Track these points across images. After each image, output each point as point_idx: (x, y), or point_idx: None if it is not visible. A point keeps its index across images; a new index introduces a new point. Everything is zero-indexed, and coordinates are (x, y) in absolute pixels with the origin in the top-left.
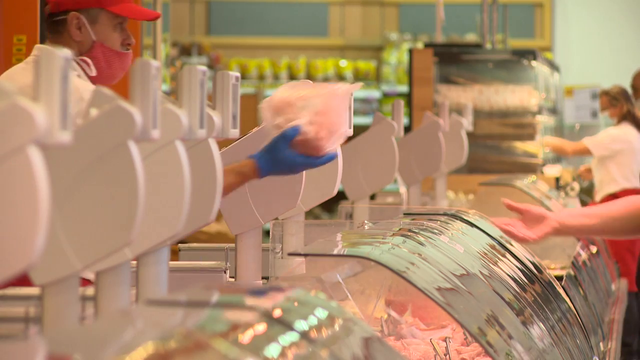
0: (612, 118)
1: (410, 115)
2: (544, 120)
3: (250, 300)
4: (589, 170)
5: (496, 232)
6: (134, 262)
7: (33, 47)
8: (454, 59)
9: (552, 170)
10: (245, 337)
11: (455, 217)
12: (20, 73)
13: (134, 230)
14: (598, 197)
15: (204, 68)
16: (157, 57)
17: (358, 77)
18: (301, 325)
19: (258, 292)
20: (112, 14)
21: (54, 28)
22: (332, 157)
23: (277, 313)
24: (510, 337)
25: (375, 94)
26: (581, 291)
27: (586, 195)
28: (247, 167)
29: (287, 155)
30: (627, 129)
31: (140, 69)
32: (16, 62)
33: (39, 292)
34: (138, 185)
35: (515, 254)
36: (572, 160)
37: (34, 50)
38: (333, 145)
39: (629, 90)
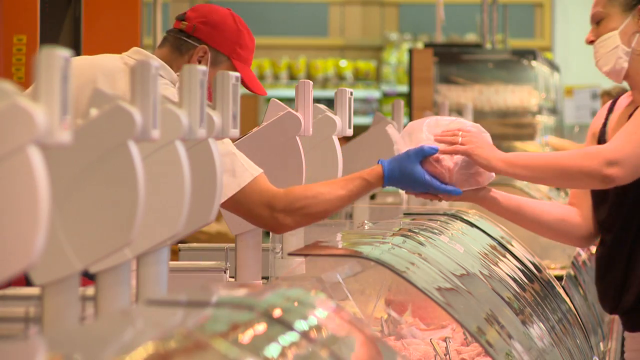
0: None
1: (410, 115)
2: (544, 120)
3: (250, 300)
4: None
5: (496, 233)
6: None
7: (34, 47)
8: (454, 59)
9: None
10: (245, 337)
11: (455, 217)
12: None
13: (134, 230)
14: None
15: (204, 68)
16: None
17: (358, 77)
18: (301, 325)
19: (258, 292)
20: (234, 69)
21: (176, 44)
22: (457, 192)
23: (277, 313)
24: (510, 337)
25: (375, 94)
26: (581, 291)
27: None
28: (373, 174)
29: (416, 170)
30: None
31: (140, 69)
32: (16, 62)
33: (39, 292)
34: (138, 185)
35: (515, 254)
36: None
37: (132, 54)
38: (463, 183)
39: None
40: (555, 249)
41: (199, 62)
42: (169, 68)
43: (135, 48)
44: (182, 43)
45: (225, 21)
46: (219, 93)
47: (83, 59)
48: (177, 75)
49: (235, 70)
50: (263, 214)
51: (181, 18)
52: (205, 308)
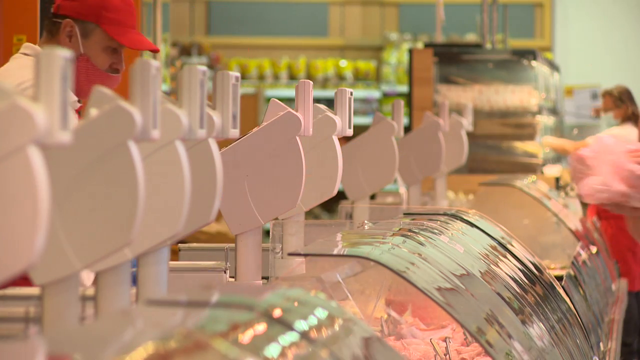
0: (616, 119)
1: (410, 115)
2: (544, 120)
3: (250, 300)
4: None
5: (496, 233)
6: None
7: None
8: (454, 59)
9: (552, 170)
10: (245, 337)
11: (455, 217)
12: (15, 70)
13: (134, 230)
14: None
15: (204, 68)
16: (157, 57)
17: (358, 77)
18: (301, 325)
19: (258, 292)
20: (107, 35)
21: (48, 28)
22: None
23: (277, 313)
24: (510, 337)
25: (375, 94)
26: (581, 291)
27: None
28: None
29: None
30: (629, 129)
31: (140, 69)
32: None
33: (39, 292)
34: (138, 185)
35: (515, 254)
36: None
37: (22, 48)
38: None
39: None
40: (555, 249)
41: (70, 38)
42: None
43: (26, 44)
44: (53, 25)
45: None
46: (219, 93)
47: None
48: None
49: (112, 39)
50: None
51: (52, 1)
52: (205, 308)
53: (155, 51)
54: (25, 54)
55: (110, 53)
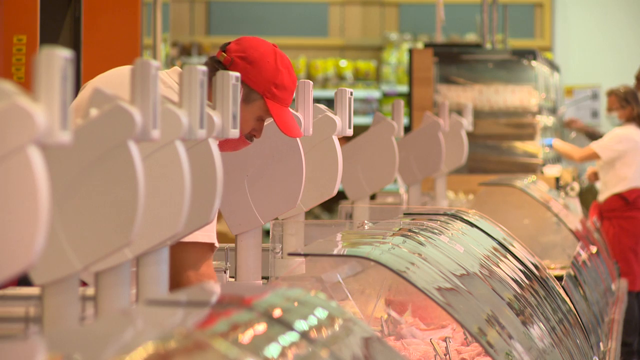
0: (620, 119)
1: (410, 115)
2: (544, 120)
3: (250, 300)
4: (595, 174)
5: (496, 233)
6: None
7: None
8: (454, 59)
9: (552, 170)
10: (245, 337)
11: (455, 217)
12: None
13: (134, 230)
14: (602, 197)
15: (204, 68)
16: (157, 57)
17: (358, 77)
18: (301, 325)
19: (258, 292)
20: (267, 109)
21: (214, 68)
22: None
23: (277, 313)
24: (510, 337)
25: (375, 94)
26: (581, 291)
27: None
28: None
29: None
30: (632, 129)
31: (140, 69)
32: (16, 62)
33: (39, 292)
34: (138, 185)
35: (516, 254)
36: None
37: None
38: None
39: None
40: (555, 249)
41: None
42: None
43: (175, 67)
44: (219, 66)
45: (264, 58)
46: (218, 93)
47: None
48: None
49: (266, 112)
50: (176, 273)
51: (223, 49)
52: (205, 308)
53: (297, 136)
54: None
55: (257, 121)
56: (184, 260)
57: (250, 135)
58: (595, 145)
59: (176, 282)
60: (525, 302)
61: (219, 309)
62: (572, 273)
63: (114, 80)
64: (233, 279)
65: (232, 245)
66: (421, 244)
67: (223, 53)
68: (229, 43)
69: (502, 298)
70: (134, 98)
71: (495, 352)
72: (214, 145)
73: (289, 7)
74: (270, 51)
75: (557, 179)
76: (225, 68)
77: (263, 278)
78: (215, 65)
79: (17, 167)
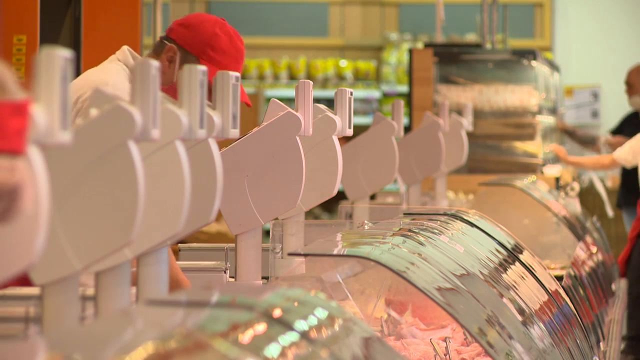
0: None
1: (410, 115)
2: (544, 120)
3: (250, 300)
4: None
5: (496, 232)
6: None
7: (34, 47)
8: (454, 59)
9: (552, 170)
10: (245, 337)
11: (455, 217)
12: (114, 74)
13: (134, 230)
14: None
15: (204, 68)
16: None
17: (358, 77)
18: (301, 325)
19: (258, 292)
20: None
21: (156, 46)
22: None
23: (277, 313)
24: (510, 337)
25: (375, 94)
26: (581, 291)
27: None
28: None
29: None
30: None
31: (140, 69)
32: (16, 62)
33: (39, 292)
34: (138, 185)
35: (515, 254)
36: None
37: (120, 52)
38: None
39: (624, 87)
40: (555, 249)
41: (170, 62)
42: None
43: (124, 47)
44: (159, 44)
45: (202, 24)
46: (218, 93)
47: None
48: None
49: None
50: None
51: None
52: (205, 308)
53: (247, 105)
54: (117, 60)
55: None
56: None
57: None
58: (619, 154)
59: None
60: (525, 302)
61: (219, 309)
62: (572, 273)
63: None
64: (233, 279)
65: (232, 245)
66: (421, 244)
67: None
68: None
69: (502, 298)
70: (134, 98)
71: (495, 352)
72: (214, 145)
73: (289, 7)
74: (212, 19)
75: (557, 179)
76: (167, 37)
77: (263, 278)
78: (161, 38)
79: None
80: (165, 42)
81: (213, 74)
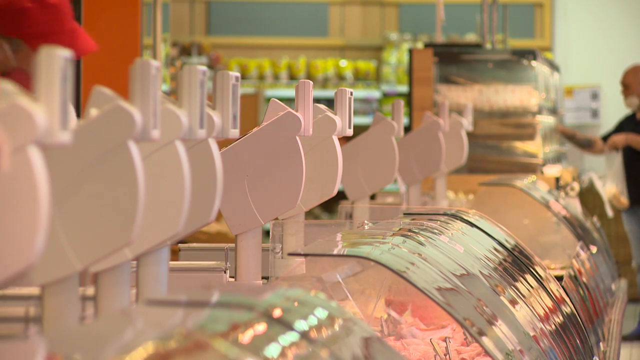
0: None
1: (410, 115)
2: (544, 120)
3: (250, 300)
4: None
5: (496, 232)
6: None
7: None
8: (454, 59)
9: (552, 170)
10: (245, 337)
11: (455, 217)
12: None
13: (134, 230)
14: None
15: (204, 68)
16: (157, 57)
17: (358, 77)
18: (301, 325)
19: (258, 292)
20: (30, 48)
21: None
22: None
23: (277, 313)
24: (510, 337)
25: (375, 94)
26: (581, 291)
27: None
28: None
29: None
30: None
31: (140, 69)
32: None
33: (39, 292)
34: (138, 185)
35: (515, 254)
36: (571, 160)
37: None
38: None
39: (619, 87)
40: (555, 249)
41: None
42: None
43: None
44: None
45: (10, 6)
46: (218, 93)
47: None
48: None
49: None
50: None
51: None
52: (205, 308)
53: (92, 51)
54: None
55: None
56: None
57: None
58: None
59: None
60: (525, 302)
61: (219, 309)
62: (572, 273)
63: None
64: (233, 279)
65: (232, 245)
66: (421, 244)
67: None
68: None
69: (502, 298)
70: (134, 98)
71: (495, 352)
72: (214, 145)
73: (289, 7)
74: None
75: (557, 179)
76: None
77: (263, 278)
78: None
79: (17, 167)
80: None
81: (37, 46)
